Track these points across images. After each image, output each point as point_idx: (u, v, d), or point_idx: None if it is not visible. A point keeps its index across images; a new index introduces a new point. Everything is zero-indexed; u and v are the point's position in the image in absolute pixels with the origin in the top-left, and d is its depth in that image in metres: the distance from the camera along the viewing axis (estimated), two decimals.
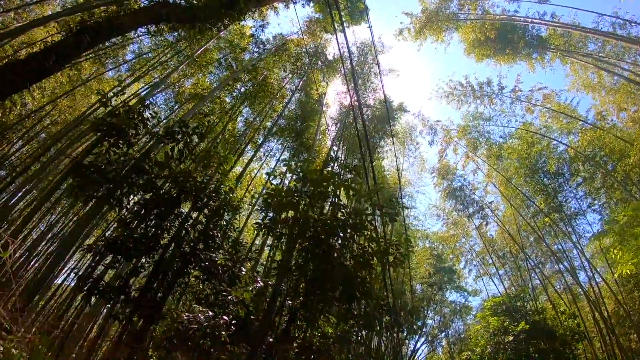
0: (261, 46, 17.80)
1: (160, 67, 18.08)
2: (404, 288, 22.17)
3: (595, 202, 17.68)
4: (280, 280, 6.98)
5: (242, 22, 19.10)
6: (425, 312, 25.76)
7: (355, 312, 6.79)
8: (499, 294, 20.77)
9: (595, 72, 16.98)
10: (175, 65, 18.26)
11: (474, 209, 21.62)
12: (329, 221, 5.84)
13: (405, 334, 25.44)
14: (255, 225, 7.08)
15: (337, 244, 6.23)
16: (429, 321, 26.86)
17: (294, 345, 6.51)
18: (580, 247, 17.12)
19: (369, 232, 6.48)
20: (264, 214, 7.03)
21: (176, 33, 18.07)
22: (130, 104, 8.68)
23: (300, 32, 18.51)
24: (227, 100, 18.57)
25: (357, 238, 6.49)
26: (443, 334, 27.66)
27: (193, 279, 7.64)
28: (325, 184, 5.74)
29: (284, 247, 7.11)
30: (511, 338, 15.87)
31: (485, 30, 17.10)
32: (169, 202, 7.15)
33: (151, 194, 7.23)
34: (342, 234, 6.24)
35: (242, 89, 18.33)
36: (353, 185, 5.94)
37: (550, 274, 21.05)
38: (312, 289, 5.90)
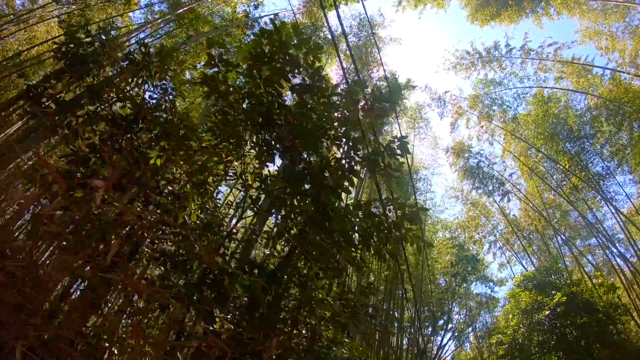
0: (256, 25, 17.33)
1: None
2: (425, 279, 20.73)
3: (624, 160, 16.27)
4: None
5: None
6: (451, 306, 24.19)
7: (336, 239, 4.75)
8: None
9: (604, 22, 15.92)
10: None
11: (493, 186, 20.30)
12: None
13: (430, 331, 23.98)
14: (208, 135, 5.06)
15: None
16: (455, 316, 25.27)
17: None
18: (614, 209, 15.64)
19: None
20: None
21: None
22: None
23: (294, 11, 18.01)
24: None
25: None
26: (470, 328, 25.91)
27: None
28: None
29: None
30: (547, 312, 14.26)
31: None
32: (123, 127, 6.27)
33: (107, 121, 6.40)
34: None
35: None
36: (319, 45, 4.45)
37: (583, 249, 19.41)
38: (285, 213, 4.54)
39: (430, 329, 23.76)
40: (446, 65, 20.03)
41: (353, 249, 4.39)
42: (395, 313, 20.20)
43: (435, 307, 23.81)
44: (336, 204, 4.24)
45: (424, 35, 43.15)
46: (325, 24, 19.47)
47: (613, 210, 15.79)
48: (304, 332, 5.51)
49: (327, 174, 4.31)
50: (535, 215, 20.29)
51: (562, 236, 19.43)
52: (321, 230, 4.40)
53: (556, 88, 16.88)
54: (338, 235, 4.28)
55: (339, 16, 7.13)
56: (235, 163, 4.70)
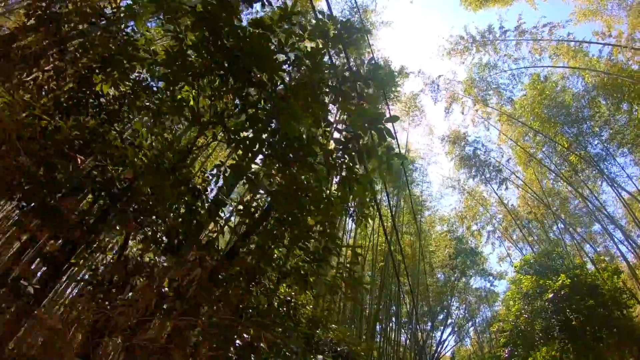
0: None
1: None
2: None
3: (624, 142, 15.78)
4: None
5: None
6: (450, 300, 23.55)
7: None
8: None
9: (599, 0, 15.51)
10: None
11: (490, 173, 19.75)
12: None
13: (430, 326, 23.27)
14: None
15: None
16: (455, 311, 24.63)
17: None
18: (616, 189, 15.12)
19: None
20: None
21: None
22: None
23: None
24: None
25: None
26: (470, 323, 25.26)
27: None
28: None
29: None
30: (551, 295, 13.58)
31: None
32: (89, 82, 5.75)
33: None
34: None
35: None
36: None
37: (585, 235, 18.86)
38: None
39: (429, 324, 23.12)
40: (440, 52, 19.56)
41: (318, 183, 3.80)
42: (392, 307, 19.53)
43: (434, 302, 23.17)
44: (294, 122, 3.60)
45: (417, 22, 42.10)
46: (317, 10, 19.09)
47: (615, 194, 15.29)
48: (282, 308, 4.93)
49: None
50: (534, 204, 19.74)
51: (562, 223, 18.86)
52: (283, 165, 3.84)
53: (552, 67, 16.46)
54: (301, 165, 3.72)
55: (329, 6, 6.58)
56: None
